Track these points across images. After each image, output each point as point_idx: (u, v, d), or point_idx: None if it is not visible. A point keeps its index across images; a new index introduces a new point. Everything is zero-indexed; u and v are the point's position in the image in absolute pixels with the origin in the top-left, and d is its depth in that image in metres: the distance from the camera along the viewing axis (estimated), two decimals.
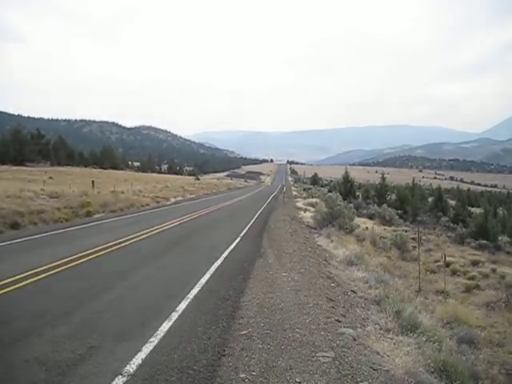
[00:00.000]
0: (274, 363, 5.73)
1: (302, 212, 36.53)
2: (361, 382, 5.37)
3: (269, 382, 5.21)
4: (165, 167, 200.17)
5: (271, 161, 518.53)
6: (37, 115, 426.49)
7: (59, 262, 11.16)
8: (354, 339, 6.98)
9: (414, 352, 7.39)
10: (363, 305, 10.23)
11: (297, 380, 5.27)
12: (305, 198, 63.08)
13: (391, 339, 7.94)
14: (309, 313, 7.93)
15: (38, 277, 9.61)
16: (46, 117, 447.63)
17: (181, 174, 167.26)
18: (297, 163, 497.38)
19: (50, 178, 53.88)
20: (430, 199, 77.68)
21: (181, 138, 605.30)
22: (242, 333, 6.79)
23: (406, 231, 37.89)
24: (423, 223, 55.91)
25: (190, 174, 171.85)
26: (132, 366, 5.40)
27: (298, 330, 7.01)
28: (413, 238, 31.66)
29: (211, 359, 5.75)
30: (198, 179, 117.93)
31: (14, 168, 69.26)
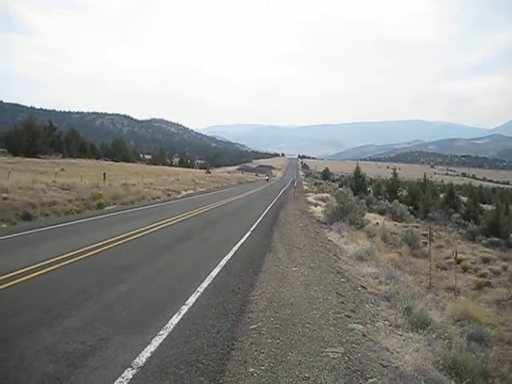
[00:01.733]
0: (283, 358, 5.73)
1: (313, 207, 36.45)
2: (370, 378, 5.35)
3: (278, 377, 5.21)
4: (176, 160, 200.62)
5: (282, 155, 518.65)
6: (49, 107, 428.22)
7: (70, 254, 11.23)
8: (364, 335, 6.96)
9: (423, 349, 7.35)
10: (373, 300, 10.20)
11: (306, 375, 5.26)
12: (316, 193, 62.96)
13: (401, 336, 7.91)
14: (318, 308, 7.91)
15: (49, 268, 9.67)
16: (58, 109, 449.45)
17: (192, 168, 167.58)
18: (308, 158, 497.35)
19: (62, 169, 54.12)
20: (441, 195, 77.29)
21: (192, 131, 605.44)
22: (252, 327, 6.79)
23: (417, 227, 37.68)
24: (434, 219, 55.59)
25: (201, 168, 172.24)
26: (141, 359, 5.41)
27: (307, 324, 7.00)
28: (424, 235, 31.44)
29: (220, 353, 5.76)
30: (209, 172, 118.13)
31: (27, 160, 69.57)
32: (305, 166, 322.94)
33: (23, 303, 7.38)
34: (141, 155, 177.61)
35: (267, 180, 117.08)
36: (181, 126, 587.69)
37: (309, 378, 5.21)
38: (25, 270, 9.34)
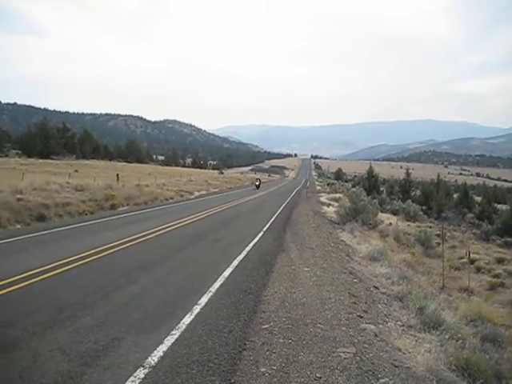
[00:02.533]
0: (294, 358, 5.74)
1: (326, 207, 36.43)
2: (381, 378, 5.35)
3: (289, 377, 5.22)
4: (189, 161, 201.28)
5: (295, 155, 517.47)
6: (62, 109, 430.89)
7: (84, 255, 11.30)
8: (376, 335, 6.96)
9: (436, 349, 7.33)
10: (385, 301, 10.18)
11: (317, 375, 5.27)
12: (328, 193, 62.88)
13: (413, 336, 7.89)
14: (330, 308, 7.92)
15: (63, 269, 9.74)
16: (71, 110, 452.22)
17: (205, 168, 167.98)
18: (321, 158, 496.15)
19: (76, 171, 54.43)
20: (455, 195, 77.02)
21: (205, 131, 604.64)
22: (264, 327, 6.81)
23: (431, 227, 37.51)
24: (448, 219, 55.40)
25: (214, 168, 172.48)
26: (153, 358, 5.46)
27: (319, 325, 7.01)
28: (437, 235, 31.27)
29: (232, 353, 5.79)
30: (222, 173, 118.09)
31: (41, 161, 70.18)
32: (317, 167, 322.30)
33: (37, 303, 7.46)
34: (154, 156, 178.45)
35: (258, 187, 62.63)
36: (194, 126, 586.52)
37: (320, 378, 5.23)
38: (38, 270, 9.41)
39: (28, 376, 4.96)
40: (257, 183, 65.20)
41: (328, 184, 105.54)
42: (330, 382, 5.15)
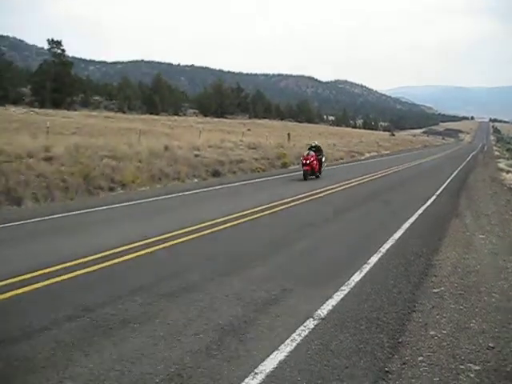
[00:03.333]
0: (465, 324, 5.55)
1: (504, 173, 34.22)
2: None
3: (459, 343, 5.06)
4: (359, 122, 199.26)
5: (472, 118, 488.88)
6: (236, 70, 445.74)
7: (257, 209, 11.82)
8: None
9: None
10: None
11: (490, 345, 5.05)
12: (508, 159, 58.95)
13: None
14: (507, 278, 7.50)
15: (238, 221, 10.31)
16: (244, 71, 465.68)
17: (375, 130, 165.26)
18: (500, 121, 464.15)
19: (248, 129, 56.37)
20: None
21: (376, 92, 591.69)
22: (434, 291, 6.65)
23: None
24: None
25: (384, 130, 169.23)
26: (323, 311, 5.59)
27: (493, 294, 6.68)
28: None
29: (401, 313, 5.74)
30: (393, 135, 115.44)
31: (216, 120, 73.53)
32: (496, 131, 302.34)
33: (214, 250, 8.05)
34: (324, 116, 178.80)
35: (309, 170, 20.94)
36: (365, 87, 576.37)
37: (493, 347, 5.00)
38: (218, 221, 10.08)
39: (206, 316, 5.35)
40: (306, 162, 21.32)
41: (507, 150, 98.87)
42: (504, 353, 4.90)
